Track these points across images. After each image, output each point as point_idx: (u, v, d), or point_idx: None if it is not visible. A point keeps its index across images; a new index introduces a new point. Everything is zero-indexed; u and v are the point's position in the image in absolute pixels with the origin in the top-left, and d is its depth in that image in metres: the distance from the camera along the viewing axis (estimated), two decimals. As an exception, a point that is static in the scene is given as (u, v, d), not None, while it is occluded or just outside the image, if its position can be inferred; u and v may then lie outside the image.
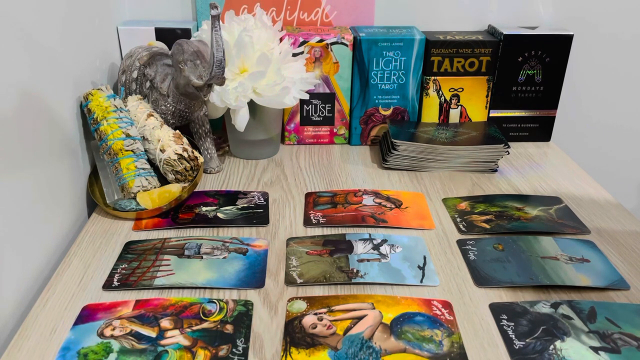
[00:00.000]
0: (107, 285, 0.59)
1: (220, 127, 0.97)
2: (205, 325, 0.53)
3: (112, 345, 0.51)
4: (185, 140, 0.76)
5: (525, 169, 0.87)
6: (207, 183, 0.81)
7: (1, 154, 0.55)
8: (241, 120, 0.81)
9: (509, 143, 0.93)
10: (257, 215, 0.73)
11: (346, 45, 0.88)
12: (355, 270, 0.61)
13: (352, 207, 0.74)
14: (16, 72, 0.58)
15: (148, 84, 0.79)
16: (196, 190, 0.79)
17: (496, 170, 0.86)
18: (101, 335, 0.52)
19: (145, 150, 0.75)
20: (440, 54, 0.90)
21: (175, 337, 0.52)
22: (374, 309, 0.56)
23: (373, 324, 0.54)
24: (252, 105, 0.82)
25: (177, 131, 0.76)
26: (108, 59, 0.86)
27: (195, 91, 0.75)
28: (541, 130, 0.97)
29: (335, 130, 0.95)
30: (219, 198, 0.76)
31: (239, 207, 0.74)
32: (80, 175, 0.74)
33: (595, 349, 0.51)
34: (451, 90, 0.93)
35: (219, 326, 0.53)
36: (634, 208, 1.13)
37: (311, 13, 0.94)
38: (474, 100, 0.94)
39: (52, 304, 0.57)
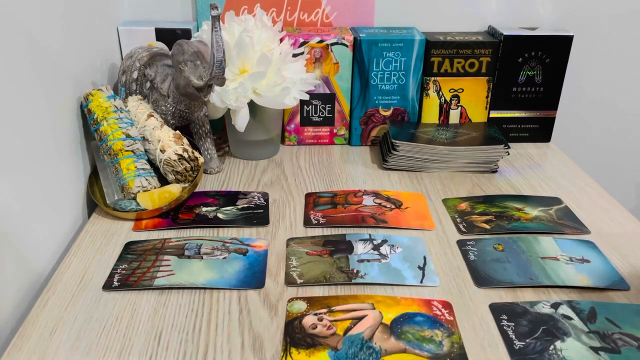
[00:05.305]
0: (107, 286, 0.59)
1: (221, 127, 0.97)
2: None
3: None
4: (185, 140, 0.76)
5: (525, 170, 0.87)
6: (207, 183, 0.81)
7: (1, 154, 0.55)
8: (241, 120, 0.81)
9: (509, 144, 0.93)
10: (257, 215, 0.73)
11: (346, 45, 0.88)
12: (355, 271, 0.61)
13: (352, 208, 0.74)
14: (16, 72, 0.58)
15: (148, 84, 0.79)
16: (196, 190, 0.79)
17: (496, 171, 0.86)
18: None
19: (146, 151, 0.75)
20: (441, 54, 0.90)
21: None
22: (374, 309, 0.56)
23: (373, 324, 0.54)
24: (252, 105, 0.82)
25: (177, 132, 0.76)
26: (108, 59, 0.86)
27: (196, 92, 0.75)
28: (541, 131, 0.97)
29: (335, 130, 0.95)
30: (219, 198, 0.76)
31: (239, 207, 0.74)
32: (80, 176, 0.74)
33: (596, 349, 0.51)
34: (451, 90, 0.93)
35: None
36: (634, 208, 1.13)
37: (311, 14, 0.94)
38: (474, 101, 0.94)
39: (52, 304, 0.57)
